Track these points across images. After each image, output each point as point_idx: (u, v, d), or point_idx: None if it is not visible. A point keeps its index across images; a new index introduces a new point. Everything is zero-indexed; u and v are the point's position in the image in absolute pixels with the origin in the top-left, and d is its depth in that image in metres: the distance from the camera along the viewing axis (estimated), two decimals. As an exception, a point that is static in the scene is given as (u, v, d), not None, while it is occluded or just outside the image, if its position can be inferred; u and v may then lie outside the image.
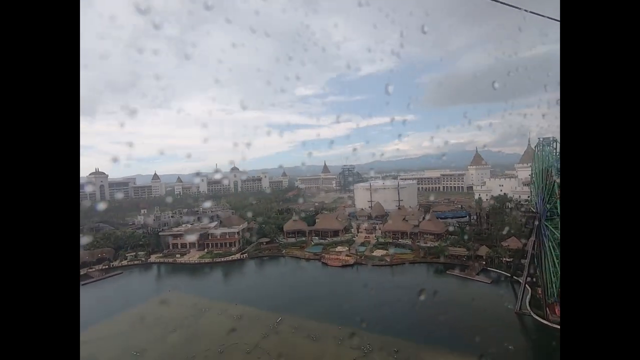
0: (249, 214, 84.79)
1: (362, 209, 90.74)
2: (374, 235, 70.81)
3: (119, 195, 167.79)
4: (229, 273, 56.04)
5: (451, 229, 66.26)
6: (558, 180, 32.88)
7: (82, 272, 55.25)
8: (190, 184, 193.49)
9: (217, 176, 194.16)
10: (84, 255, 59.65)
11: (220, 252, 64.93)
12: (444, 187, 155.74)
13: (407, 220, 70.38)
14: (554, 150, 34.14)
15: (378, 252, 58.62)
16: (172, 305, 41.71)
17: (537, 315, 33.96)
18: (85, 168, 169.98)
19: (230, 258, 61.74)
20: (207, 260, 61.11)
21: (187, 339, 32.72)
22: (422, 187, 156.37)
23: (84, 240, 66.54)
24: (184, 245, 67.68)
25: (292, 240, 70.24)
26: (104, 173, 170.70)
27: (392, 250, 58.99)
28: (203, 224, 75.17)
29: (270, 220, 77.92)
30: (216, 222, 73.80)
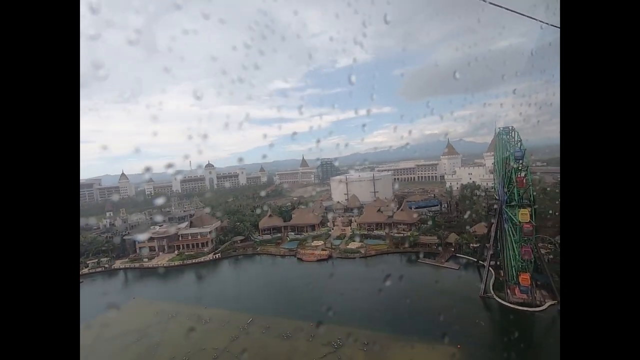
0: (221, 213, 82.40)
1: (339, 202, 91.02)
2: (349, 227, 71.25)
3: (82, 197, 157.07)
4: (200, 275, 53.99)
5: (424, 217, 68.13)
6: (516, 167, 34.41)
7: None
8: (162, 183, 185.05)
9: (191, 174, 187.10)
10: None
11: (192, 253, 62.44)
12: (419, 177, 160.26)
13: (381, 211, 71.32)
14: (512, 139, 35.45)
15: (353, 245, 59.02)
16: (136, 313, 39.46)
17: (499, 297, 35.64)
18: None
19: (202, 259, 59.56)
20: (177, 262, 58.50)
21: (150, 348, 30.99)
22: (398, 178, 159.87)
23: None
24: (152, 249, 64.39)
25: (268, 237, 69.04)
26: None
27: (366, 242, 59.65)
28: (171, 225, 71.87)
29: (245, 218, 76.06)
30: (187, 223, 70.75)
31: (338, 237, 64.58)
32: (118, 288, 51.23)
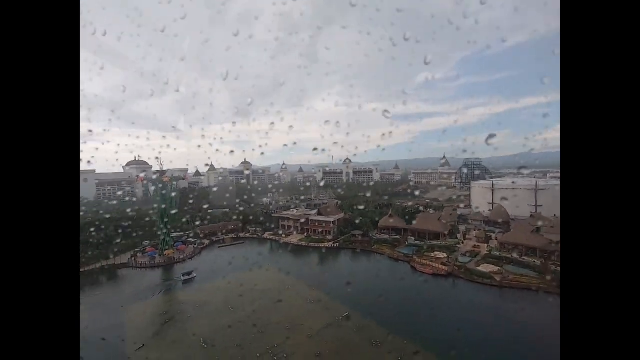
0: (347, 206, 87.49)
1: (478, 212, 75.32)
2: (486, 245, 57.83)
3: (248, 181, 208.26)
4: (319, 258, 60.26)
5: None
6: None
7: (217, 238, 73.72)
8: (309, 173, 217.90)
9: (331, 168, 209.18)
10: (221, 226, 79.10)
11: (316, 238, 70.57)
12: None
13: (540, 233, 53.30)
14: None
15: (485, 267, 47.61)
16: (266, 278, 49.27)
17: None
18: (241, 159, 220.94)
19: (323, 245, 66.16)
20: (303, 243, 67.97)
21: (265, 310, 38.04)
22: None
23: (220, 212, 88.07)
24: (289, 227, 77.85)
25: (385, 237, 67.38)
26: (250, 163, 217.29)
27: (506, 268, 46.51)
28: (305, 210, 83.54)
29: (367, 214, 77.53)
30: (316, 210, 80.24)
31: (468, 254, 54.00)
32: (261, 253, 65.68)
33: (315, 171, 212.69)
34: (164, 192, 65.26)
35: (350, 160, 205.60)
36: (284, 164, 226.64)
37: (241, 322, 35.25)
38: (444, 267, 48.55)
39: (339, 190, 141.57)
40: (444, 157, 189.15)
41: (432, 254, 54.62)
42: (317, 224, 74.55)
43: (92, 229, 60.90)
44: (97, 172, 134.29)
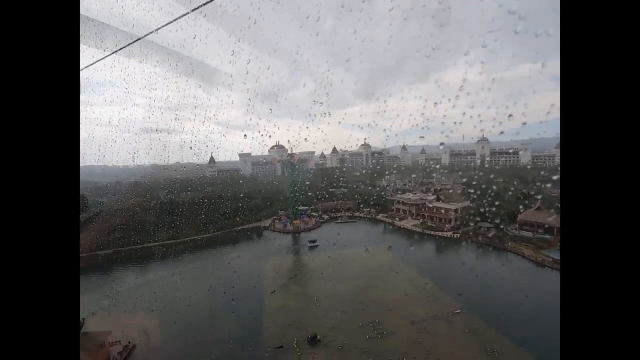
0: (478, 193, 75.05)
1: None
2: None
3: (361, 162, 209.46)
4: (434, 247, 55.97)
5: None
6: None
7: (335, 215, 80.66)
8: (434, 155, 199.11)
9: (462, 148, 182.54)
10: (339, 204, 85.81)
11: (433, 225, 65.32)
12: None
13: None
14: None
15: None
16: (376, 256, 50.78)
17: None
18: (359, 141, 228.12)
19: (440, 233, 60.67)
20: (418, 229, 64.55)
21: (373, 287, 39.72)
22: None
23: (339, 191, 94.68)
24: (403, 211, 75.50)
25: (528, 234, 54.22)
26: (369, 145, 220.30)
27: None
28: (422, 194, 78.12)
29: (503, 204, 64.37)
30: (434, 196, 73.59)
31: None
32: (373, 233, 67.44)
33: (441, 153, 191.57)
34: (294, 171, 77.37)
35: (487, 140, 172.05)
36: (404, 145, 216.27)
37: (348, 292, 38.63)
38: (621, 287, 34.71)
39: (472, 174, 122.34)
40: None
41: (603, 266, 39.88)
42: (434, 210, 68.65)
43: (257, 198, 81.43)
44: (252, 154, 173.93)
